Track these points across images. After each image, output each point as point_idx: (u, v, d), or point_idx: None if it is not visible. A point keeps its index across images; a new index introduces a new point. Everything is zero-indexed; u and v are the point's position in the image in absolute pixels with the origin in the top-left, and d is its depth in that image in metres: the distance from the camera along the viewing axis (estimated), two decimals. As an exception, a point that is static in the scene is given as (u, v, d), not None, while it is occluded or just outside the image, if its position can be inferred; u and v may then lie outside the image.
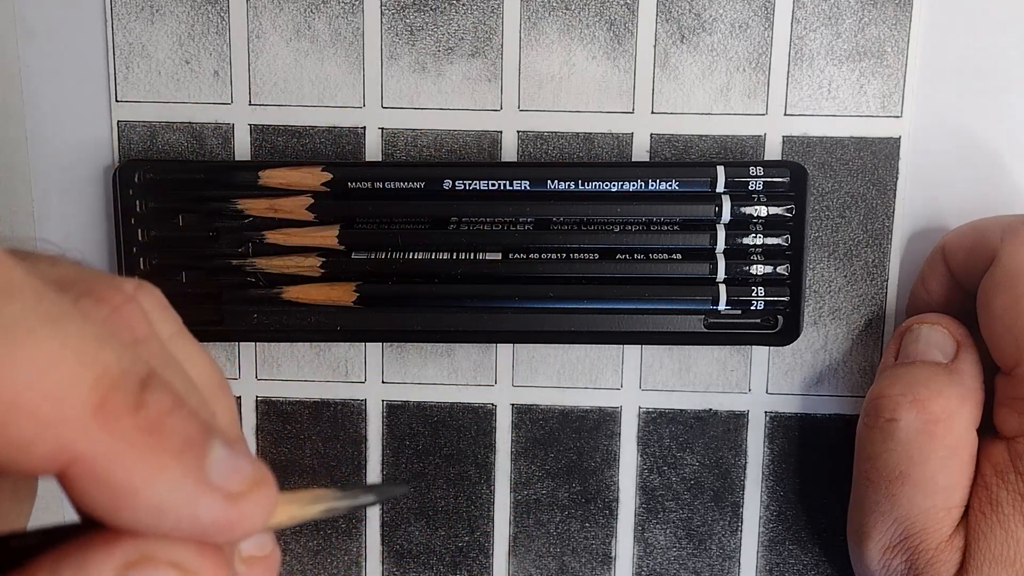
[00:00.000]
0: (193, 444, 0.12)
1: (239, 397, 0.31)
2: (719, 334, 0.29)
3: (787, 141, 0.29)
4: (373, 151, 0.30)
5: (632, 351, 0.30)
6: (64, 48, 0.29)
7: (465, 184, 0.28)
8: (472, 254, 0.29)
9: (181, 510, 0.12)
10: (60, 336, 0.12)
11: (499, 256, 0.29)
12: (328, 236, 0.28)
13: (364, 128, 0.30)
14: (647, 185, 0.28)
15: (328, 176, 0.28)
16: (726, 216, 0.28)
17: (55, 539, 0.12)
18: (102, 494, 0.12)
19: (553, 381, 0.31)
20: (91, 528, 0.12)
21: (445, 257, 0.29)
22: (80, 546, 0.12)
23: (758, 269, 0.28)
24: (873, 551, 0.26)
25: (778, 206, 0.28)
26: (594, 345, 0.30)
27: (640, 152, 0.29)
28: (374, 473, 0.31)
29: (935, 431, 0.25)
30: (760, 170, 0.28)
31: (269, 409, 0.31)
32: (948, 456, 0.25)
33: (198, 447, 0.12)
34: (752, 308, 0.29)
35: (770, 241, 0.28)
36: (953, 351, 0.27)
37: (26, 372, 0.11)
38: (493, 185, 0.28)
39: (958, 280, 0.28)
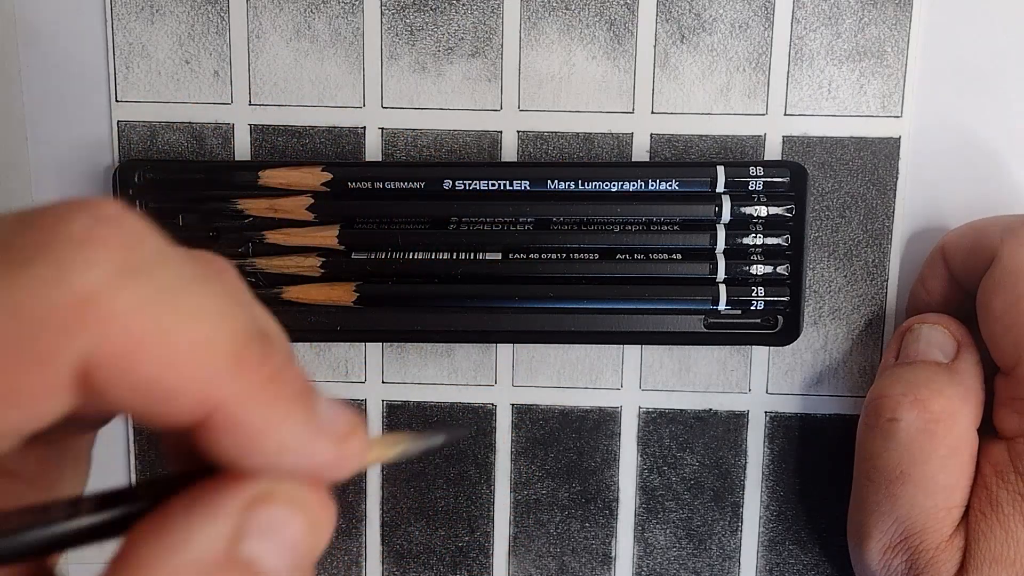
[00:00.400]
0: (305, 393, 0.14)
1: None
2: (719, 334, 0.29)
3: (787, 141, 0.29)
4: (373, 151, 0.30)
5: (632, 351, 0.30)
6: (64, 48, 0.29)
7: (465, 184, 0.28)
8: (472, 254, 0.29)
9: (301, 451, 0.13)
10: (206, 295, 0.13)
11: (499, 256, 0.29)
12: (328, 236, 0.28)
13: (364, 128, 0.30)
14: (647, 185, 0.28)
15: (328, 176, 0.28)
16: (726, 216, 0.28)
17: (173, 488, 0.13)
18: (236, 438, 0.13)
19: (553, 381, 0.31)
20: (202, 475, 0.14)
21: (445, 257, 0.29)
22: (207, 488, 0.13)
23: (758, 269, 0.28)
24: (873, 551, 0.26)
25: (778, 206, 0.28)
26: (594, 345, 0.30)
27: (640, 152, 0.29)
28: (373, 474, 0.31)
29: (936, 431, 0.25)
30: (760, 170, 0.28)
31: (269, 409, 0.31)
32: (949, 456, 0.25)
33: (309, 396, 0.14)
34: (752, 308, 0.29)
35: (770, 241, 0.28)
36: (954, 351, 0.27)
37: (184, 328, 0.12)
38: (493, 185, 0.28)
39: (958, 280, 0.28)
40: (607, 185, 0.28)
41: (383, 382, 0.31)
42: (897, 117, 0.29)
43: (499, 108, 0.29)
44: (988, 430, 0.26)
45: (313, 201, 0.28)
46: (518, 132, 0.29)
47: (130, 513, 0.13)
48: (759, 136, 0.29)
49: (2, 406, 0.12)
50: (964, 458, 0.25)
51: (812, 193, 0.29)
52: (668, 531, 0.31)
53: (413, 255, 0.29)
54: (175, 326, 0.12)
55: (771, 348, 0.30)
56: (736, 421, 0.31)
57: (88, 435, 0.18)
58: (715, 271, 0.28)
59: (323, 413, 0.14)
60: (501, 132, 0.30)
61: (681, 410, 0.31)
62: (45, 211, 0.12)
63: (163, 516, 0.13)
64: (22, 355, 0.11)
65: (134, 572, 0.12)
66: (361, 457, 0.14)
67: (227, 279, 0.14)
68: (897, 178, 0.29)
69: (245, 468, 0.13)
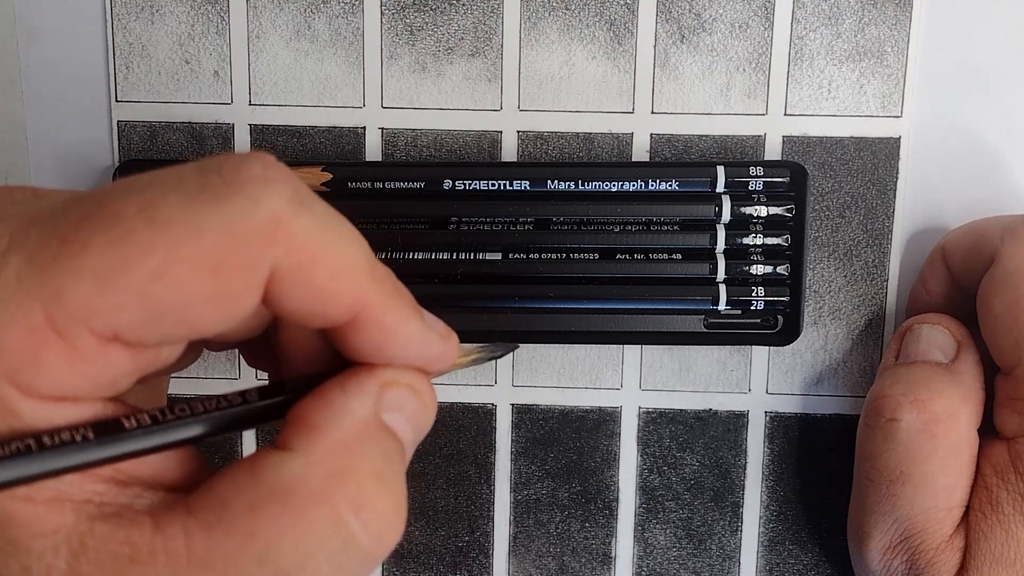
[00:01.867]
0: (414, 303, 0.17)
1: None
2: (719, 334, 0.29)
3: (787, 141, 0.29)
4: (373, 151, 0.30)
5: (632, 351, 0.30)
6: (64, 48, 0.29)
7: (465, 184, 0.28)
8: (472, 254, 0.29)
9: (420, 344, 0.17)
10: (346, 223, 0.16)
11: (499, 256, 0.29)
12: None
13: (364, 128, 0.30)
14: (647, 185, 0.28)
15: (328, 176, 0.28)
16: (726, 216, 0.28)
17: (311, 383, 0.17)
18: (375, 334, 0.16)
19: (553, 381, 0.31)
20: (332, 374, 0.17)
21: (445, 257, 0.29)
22: (349, 376, 0.17)
23: (758, 269, 0.28)
24: (873, 551, 0.26)
25: (778, 206, 0.28)
26: (594, 345, 0.30)
27: (640, 152, 0.29)
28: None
29: (936, 431, 0.25)
30: (760, 170, 0.28)
31: (269, 409, 0.31)
32: (949, 456, 0.25)
33: (416, 305, 0.17)
34: (752, 308, 0.29)
35: (770, 241, 0.28)
36: (954, 351, 0.27)
37: (341, 247, 0.16)
38: (493, 185, 0.28)
39: (958, 280, 0.28)
40: (607, 185, 0.28)
41: (383, 382, 0.31)
42: (897, 117, 0.29)
43: (499, 108, 0.29)
44: (988, 430, 0.26)
45: (313, 201, 0.28)
46: (518, 132, 0.29)
47: (287, 400, 0.17)
48: (759, 136, 0.29)
49: (215, 303, 0.14)
50: (964, 458, 0.25)
51: (812, 193, 0.29)
52: (668, 531, 0.31)
53: (413, 255, 0.29)
54: (335, 245, 0.15)
55: (771, 348, 0.30)
56: (736, 421, 0.31)
57: (169, 375, 0.22)
58: (715, 271, 0.28)
59: (428, 317, 0.18)
60: (501, 132, 0.30)
61: (681, 410, 0.31)
62: (223, 160, 0.15)
63: (322, 395, 0.16)
64: (234, 262, 0.14)
65: (315, 433, 0.16)
66: (456, 354, 0.18)
67: None
68: (897, 178, 0.29)
69: (380, 360, 0.17)
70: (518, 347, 0.28)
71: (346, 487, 0.15)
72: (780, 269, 0.28)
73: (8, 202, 0.15)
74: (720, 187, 0.28)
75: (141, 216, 0.13)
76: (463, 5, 0.29)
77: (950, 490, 0.25)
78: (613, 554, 0.31)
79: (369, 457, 0.16)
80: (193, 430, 0.16)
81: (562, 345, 0.30)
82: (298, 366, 0.18)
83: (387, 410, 0.17)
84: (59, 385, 0.14)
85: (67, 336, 0.13)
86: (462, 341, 0.18)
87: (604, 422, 0.31)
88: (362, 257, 0.16)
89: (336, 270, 0.15)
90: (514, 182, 0.28)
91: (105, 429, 0.15)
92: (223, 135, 0.30)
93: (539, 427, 0.31)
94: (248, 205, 0.14)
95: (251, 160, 0.15)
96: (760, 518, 0.31)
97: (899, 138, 0.29)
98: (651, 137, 0.29)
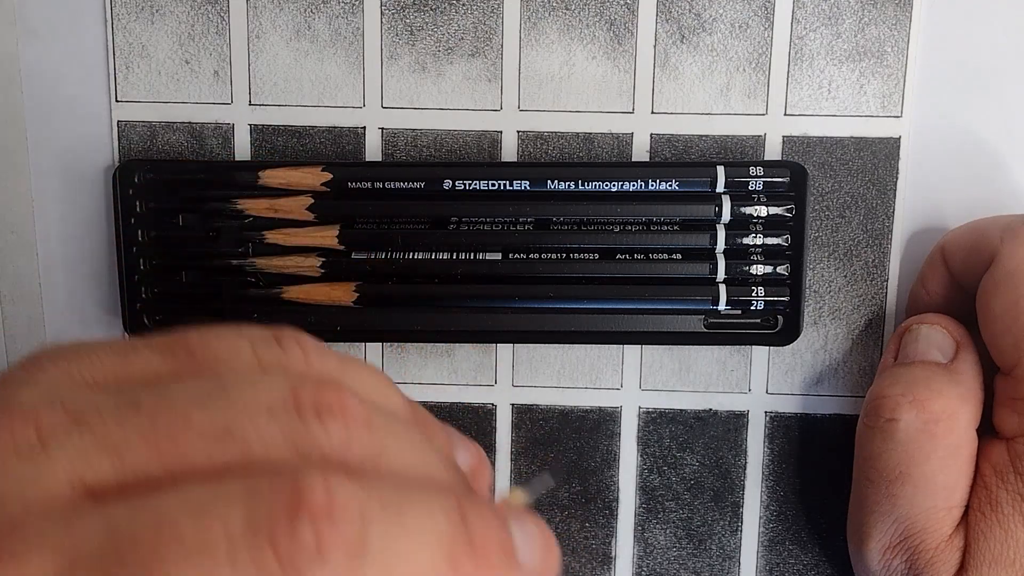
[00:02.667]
0: (506, 546, 0.14)
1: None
2: (719, 334, 0.29)
3: (787, 141, 0.29)
4: (373, 151, 0.30)
5: (632, 351, 0.30)
6: (64, 48, 0.29)
7: (465, 184, 0.28)
8: (472, 254, 0.29)
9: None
10: (418, 506, 0.14)
11: (499, 256, 0.29)
12: (328, 236, 0.28)
13: (364, 128, 0.30)
14: (647, 185, 0.28)
15: (328, 176, 0.28)
16: (726, 216, 0.28)
17: None
18: None
19: (553, 381, 0.31)
20: None
21: (445, 257, 0.29)
22: None
23: (758, 269, 0.28)
24: (873, 551, 0.26)
25: (778, 206, 0.28)
26: (594, 345, 0.30)
27: (640, 152, 0.29)
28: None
29: (935, 431, 0.25)
30: (760, 170, 0.28)
31: (269, 409, 0.31)
32: (948, 456, 0.25)
33: (509, 547, 0.14)
34: (752, 308, 0.29)
35: (770, 241, 0.28)
36: (953, 351, 0.27)
37: (415, 569, 0.13)
38: (493, 185, 0.28)
39: (958, 280, 0.28)
40: (607, 185, 0.28)
41: (383, 382, 0.31)
42: (897, 117, 0.29)
43: (499, 108, 0.29)
44: (988, 430, 0.26)
45: (313, 201, 0.28)
46: (518, 132, 0.29)
47: None
48: (759, 136, 0.29)
49: None
50: (963, 458, 0.25)
51: (812, 193, 0.29)
52: (668, 531, 0.31)
53: (413, 255, 0.29)
54: (415, 556, 0.13)
55: (771, 348, 0.30)
56: (736, 421, 0.31)
57: None
58: (715, 271, 0.28)
59: (523, 550, 0.15)
60: (501, 132, 0.30)
61: (681, 410, 0.31)
62: (270, 519, 0.13)
63: None
64: None
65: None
66: (555, 570, 0.16)
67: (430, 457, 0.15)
68: (897, 178, 0.29)
69: None
70: (564, 471, 0.28)
71: None
72: (780, 269, 0.28)
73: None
74: (720, 187, 0.28)
75: None
76: (463, 5, 0.29)
77: (950, 490, 0.25)
78: (613, 554, 0.31)
79: None
80: None
81: (562, 345, 0.30)
82: None
83: None
84: None
85: None
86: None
87: (604, 422, 0.31)
88: (439, 557, 0.13)
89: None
90: (514, 182, 0.28)
91: None
92: (223, 135, 0.30)
93: (539, 427, 0.31)
94: None
95: (303, 520, 0.12)
96: (760, 518, 0.31)
97: (899, 138, 0.29)
98: (651, 137, 0.29)
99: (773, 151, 0.29)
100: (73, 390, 0.14)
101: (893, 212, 0.29)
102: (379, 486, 0.14)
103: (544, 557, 0.15)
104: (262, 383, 0.14)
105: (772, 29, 0.29)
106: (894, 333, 0.29)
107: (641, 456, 0.31)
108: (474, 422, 0.31)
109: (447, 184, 0.28)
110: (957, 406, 0.25)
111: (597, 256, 0.29)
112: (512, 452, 0.31)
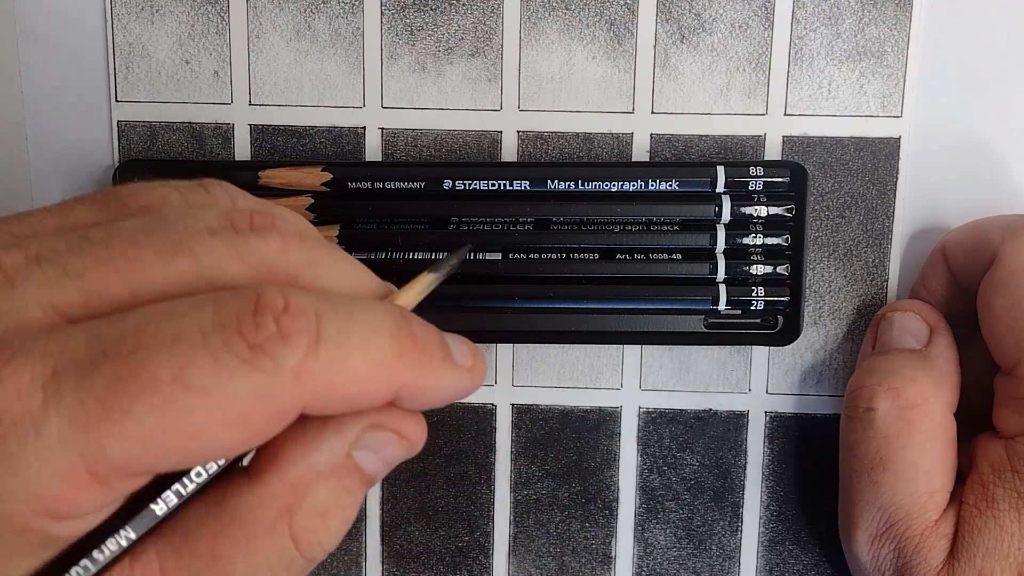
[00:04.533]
0: (443, 345, 0.17)
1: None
2: (719, 334, 0.29)
3: (787, 141, 0.29)
4: (373, 151, 0.30)
5: (632, 351, 0.30)
6: (64, 48, 0.29)
7: (465, 184, 0.28)
8: (472, 254, 0.29)
9: (452, 390, 0.17)
10: (366, 313, 0.16)
11: (499, 256, 0.29)
12: (328, 236, 0.28)
13: (364, 128, 0.30)
14: (647, 185, 0.28)
15: (328, 176, 0.28)
16: (726, 216, 0.28)
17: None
18: (412, 399, 0.17)
19: (553, 381, 0.31)
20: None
21: (445, 257, 0.29)
22: (336, 420, 0.17)
23: (758, 269, 0.28)
24: (861, 541, 0.26)
25: (778, 206, 0.28)
26: (594, 345, 0.30)
27: (640, 152, 0.29)
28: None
29: (911, 417, 0.25)
30: (760, 170, 0.28)
31: (269, 409, 0.31)
32: (926, 440, 0.25)
33: (445, 345, 0.17)
34: (752, 308, 0.29)
35: (770, 241, 0.28)
36: (926, 336, 0.27)
37: (363, 357, 0.16)
38: (493, 185, 0.28)
39: (958, 280, 0.28)
40: (607, 185, 0.28)
41: (383, 382, 0.31)
42: (897, 117, 0.29)
43: (499, 108, 0.29)
44: (987, 428, 0.26)
45: (313, 201, 0.28)
46: (518, 132, 0.29)
47: None
48: (759, 136, 0.29)
49: (246, 443, 0.15)
50: (943, 442, 0.25)
51: (812, 193, 0.29)
52: (668, 531, 0.31)
53: (413, 255, 0.29)
54: (360, 358, 0.16)
55: (771, 348, 0.30)
56: (736, 421, 0.31)
57: None
58: (715, 271, 0.28)
59: (456, 352, 0.18)
60: (501, 132, 0.30)
61: (681, 410, 0.31)
62: (240, 311, 0.15)
63: (301, 430, 0.16)
64: (264, 415, 0.15)
65: (278, 467, 0.16)
66: (483, 378, 0.18)
67: (360, 275, 0.18)
68: (897, 178, 0.29)
69: (416, 408, 0.17)
70: (471, 247, 0.28)
71: (292, 523, 0.16)
72: (780, 269, 0.28)
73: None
74: (720, 187, 0.28)
75: (177, 383, 0.14)
76: (463, 5, 0.29)
77: (930, 475, 0.25)
78: (613, 554, 0.31)
79: (320, 495, 0.17)
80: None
81: (562, 345, 0.30)
82: None
83: (362, 448, 0.17)
84: (91, 509, 0.15)
85: (106, 481, 0.14)
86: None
87: (604, 422, 0.31)
88: (386, 346, 0.16)
89: (365, 379, 0.16)
90: (514, 182, 0.28)
91: (142, 517, 0.16)
92: (223, 135, 0.30)
93: (539, 427, 0.31)
94: (272, 366, 0.15)
95: (265, 315, 0.15)
96: (760, 518, 0.31)
97: (899, 138, 0.29)
98: (651, 137, 0.29)
99: (773, 151, 0.29)
100: (24, 239, 0.16)
101: (893, 212, 0.29)
102: (327, 295, 0.16)
103: (475, 361, 0.18)
104: (198, 214, 0.17)
105: (772, 29, 0.29)
106: (871, 323, 0.29)
107: (641, 456, 0.31)
108: (474, 422, 0.31)
109: (447, 184, 0.28)
110: (932, 391, 0.26)
111: (597, 256, 0.29)
112: (512, 452, 0.31)
